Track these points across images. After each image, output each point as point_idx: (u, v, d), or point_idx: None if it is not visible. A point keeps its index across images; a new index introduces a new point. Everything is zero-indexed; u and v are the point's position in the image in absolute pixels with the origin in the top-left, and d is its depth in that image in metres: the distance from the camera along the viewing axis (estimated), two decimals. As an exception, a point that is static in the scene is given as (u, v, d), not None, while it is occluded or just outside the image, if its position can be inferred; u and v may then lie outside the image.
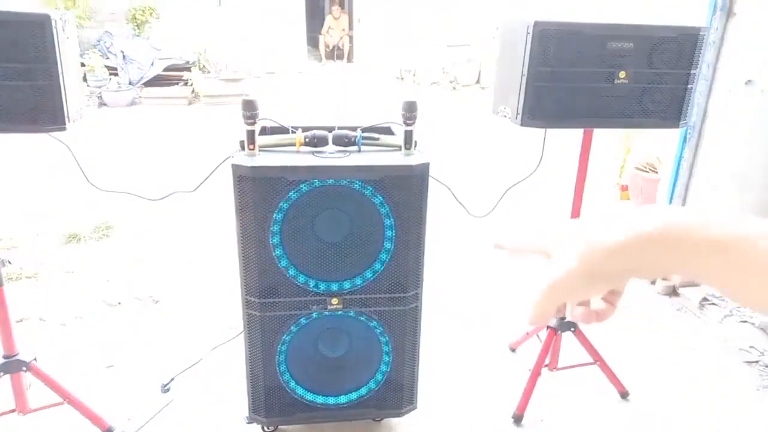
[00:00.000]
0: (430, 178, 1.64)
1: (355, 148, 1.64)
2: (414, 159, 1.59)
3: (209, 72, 8.64)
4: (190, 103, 8.03)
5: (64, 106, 1.39)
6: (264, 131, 1.76)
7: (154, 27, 8.68)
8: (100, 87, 7.75)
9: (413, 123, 1.61)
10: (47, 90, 1.34)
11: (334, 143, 1.65)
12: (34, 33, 1.29)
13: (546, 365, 2.11)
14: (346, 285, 1.66)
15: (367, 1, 11.34)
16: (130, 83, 8.03)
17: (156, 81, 8.22)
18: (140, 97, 7.91)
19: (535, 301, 0.47)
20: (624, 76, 1.62)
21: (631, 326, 2.65)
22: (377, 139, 1.68)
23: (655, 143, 3.62)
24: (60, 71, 1.35)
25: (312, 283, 1.64)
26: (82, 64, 7.73)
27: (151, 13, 8.73)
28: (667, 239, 0.41)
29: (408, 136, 1.61)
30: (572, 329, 2.09)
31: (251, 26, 9.25)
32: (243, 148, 1.56)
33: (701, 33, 1.62)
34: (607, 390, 2.16)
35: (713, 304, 2.72)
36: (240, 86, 8.24)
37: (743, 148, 2.65)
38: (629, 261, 0.43)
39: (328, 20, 11.79)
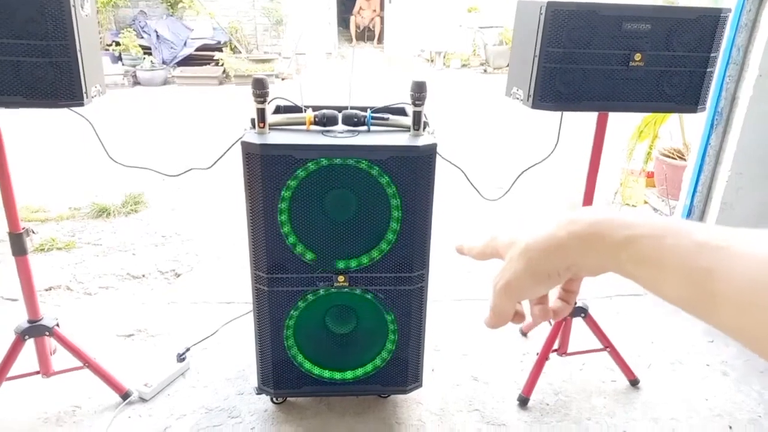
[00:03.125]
0: (443, 161, 1.64)
1: (364, 128, 1.66)
2: (421, 140, 1.59)
3: (240, 52, 8.72)
4: (220, 83, 8.13)
5: (82, 83, 1.43)
6: (278, 110, 1.80)
7: (188, 7, 8.78)
8: (134, 66, 7.91)
9: (422, 104, 1.61)
10: (65, 66, 1.38)
11: (344, 123, 1.66)
12: (52, 11, 1.34)
13: (555, 350, 2.11)
14: (353, 263, 1.68)
15: (399, -19, 11.20)
16: (163, 62, 8.18)
17: (188, 61, 8.34)
18: (173, 76, 8.04)
19: (491, 304, 0.50)
20: (639, 58, 1.58)
21: (644, 314, 2.61)
22: (387, 119, 1.69)
23: (684, 129, 3.52)
24: (78, 48, 1.40)
25: (319, 260, 1.67)
26: (117, 44, 7.91)
27: (184, -7, 8.83)
28: (592, 237, 0.43)
29: (416, 117, 1.61)
30: (582, 315, 2.08)
31: (283, 7, 9.26)
32: (254, 126, 1.60)
33: (722, 15, 1.56)
34: (617, 377, 2.15)
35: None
36: (270, 66, 8.30)
37: (774, 136, 2.56)
38: (565, 259, 0.45)
39: (360, 1, 11.71)
